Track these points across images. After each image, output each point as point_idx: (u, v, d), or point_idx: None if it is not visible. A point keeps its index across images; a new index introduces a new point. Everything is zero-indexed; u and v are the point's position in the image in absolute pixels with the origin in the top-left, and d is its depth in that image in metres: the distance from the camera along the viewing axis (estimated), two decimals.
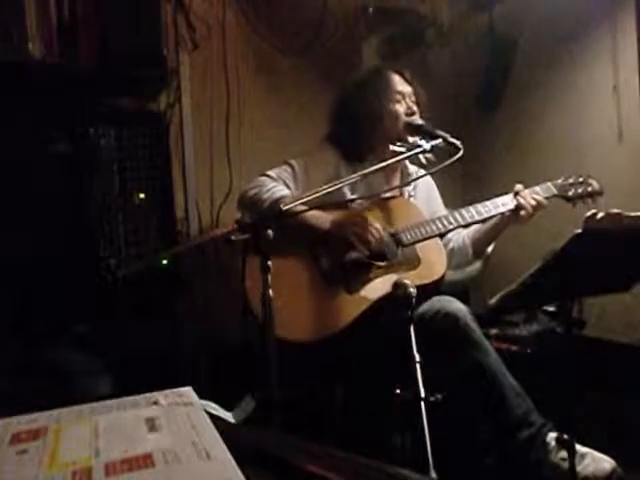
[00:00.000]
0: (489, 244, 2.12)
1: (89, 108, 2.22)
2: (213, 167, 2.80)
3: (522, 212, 1.94)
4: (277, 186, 1.95)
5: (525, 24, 3.01)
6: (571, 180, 2.04)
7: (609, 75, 2.71)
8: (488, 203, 1.98)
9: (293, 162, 2.03)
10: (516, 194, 1.97)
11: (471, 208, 1.98)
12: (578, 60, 2.87)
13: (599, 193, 2.03)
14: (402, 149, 1.95)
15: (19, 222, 2.04)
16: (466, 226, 2.04)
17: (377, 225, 1.86)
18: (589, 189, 2.02)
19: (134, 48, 2.22)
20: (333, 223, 1.87)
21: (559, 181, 2.04)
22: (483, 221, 2.00)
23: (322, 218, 1.88)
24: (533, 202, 1.94)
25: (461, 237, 2.12)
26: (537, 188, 2.00)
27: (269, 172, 2.02)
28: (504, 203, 1.98)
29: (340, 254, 1.90)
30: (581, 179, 2.04)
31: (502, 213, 1.97)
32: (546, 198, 1.98)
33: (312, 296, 1.84)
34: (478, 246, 2.10)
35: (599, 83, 2.76)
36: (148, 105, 2.59)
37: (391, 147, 1.99)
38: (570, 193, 2.01)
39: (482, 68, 3.20)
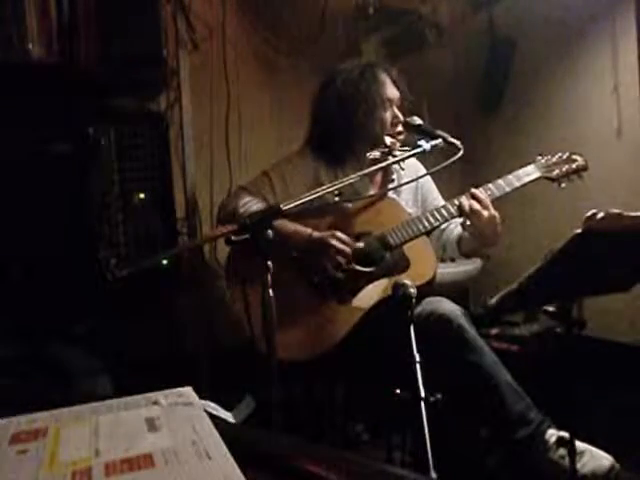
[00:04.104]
0: (472, 253, 2.06)
1: (89, 108, 2.22)
2: (213, 167, 2.80)
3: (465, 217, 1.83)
4: (253, 200, 1.91)
5: (525, 24, 3.01)
6: (554, 159, 1.94)
7: (609, 75, 2.71)
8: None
9: (270, 172, 1.99)
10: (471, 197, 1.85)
11: (455, 201, 1.89)
12: (578, 60, 2.87)
13: (584, 168, 1.93)
14: (377, 154, 1.91)
15: (19, 222, 2.04)
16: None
17: (344, 248, 1.79)
18: (574, 165, 1.92)
19: (134, 48, 2.23)
20: (308, 242, 1.82)
21: (542, 161, 1.94)
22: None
23: (299, 235, 1.84)
24: (475, 204, 1.81)
25: (453, 234, 2.04)
26: (499, 181, 1.91)
27: (246, 185, 1.99)
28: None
29: (325, 268, 1.84)
30: (565, 156, 1.94)
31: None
32: (531, 181, 1.90)
33: (305, 313, 1.81)
34: (462, 250, 2.03)
35: (599, 83, 2.76)
36: (148, 105, 2.59)
37: (369, 154, 1.93)
38: (555, 173, 1.91)
39: (482, 68, 3.20)
